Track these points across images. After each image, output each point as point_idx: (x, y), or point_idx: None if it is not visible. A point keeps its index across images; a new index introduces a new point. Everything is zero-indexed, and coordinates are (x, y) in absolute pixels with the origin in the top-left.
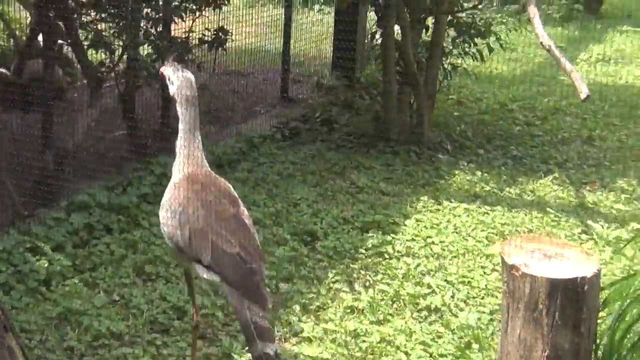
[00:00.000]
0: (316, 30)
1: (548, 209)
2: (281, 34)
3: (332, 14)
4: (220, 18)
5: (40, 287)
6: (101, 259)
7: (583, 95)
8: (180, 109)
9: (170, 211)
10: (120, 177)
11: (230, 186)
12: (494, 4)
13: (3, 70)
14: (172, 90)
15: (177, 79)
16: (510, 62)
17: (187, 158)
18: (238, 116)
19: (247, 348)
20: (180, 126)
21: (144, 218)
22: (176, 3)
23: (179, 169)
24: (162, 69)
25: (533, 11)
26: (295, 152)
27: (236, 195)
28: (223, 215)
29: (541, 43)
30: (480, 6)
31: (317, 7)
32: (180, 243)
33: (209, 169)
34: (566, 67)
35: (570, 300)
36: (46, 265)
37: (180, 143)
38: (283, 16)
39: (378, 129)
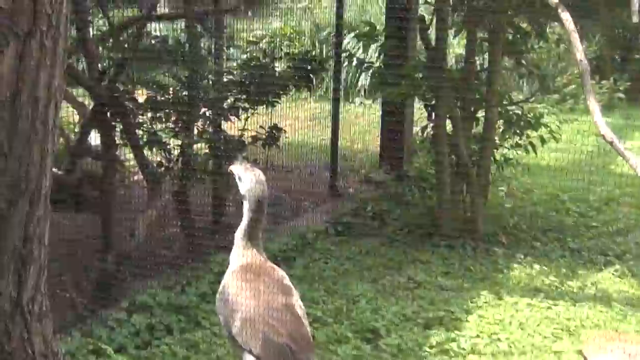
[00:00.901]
0: (360, 123)
1: (613, 302)
2: (323, 127)
3: (375, 107)
4: (264, 113)
5: None
6: None
7: None
8: (248, 207)
9: (223, 300)
10: (178, 276)
11: (286, 276)
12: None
13: (54, 169)
14: (243, 189)
15: (248, 178)
16: (557, 152)
17: (245, 249)
18: (287, 211)
19: None
20: (245, 220)
21: (204, 318)
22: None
23: (237, 259)
24: (231, 167)
25: (593, 104)
26: (349, 248)
27: (291, 285)
28: (273, 304)
29: (603, 136)
30: (532, 99)
31: (358, 100)
32: (232, 331)
33: (267, 259)
34: (631, 161)
35: None
36: None
37: (240, 235)
38: (332, 110)
39: (432, 223)
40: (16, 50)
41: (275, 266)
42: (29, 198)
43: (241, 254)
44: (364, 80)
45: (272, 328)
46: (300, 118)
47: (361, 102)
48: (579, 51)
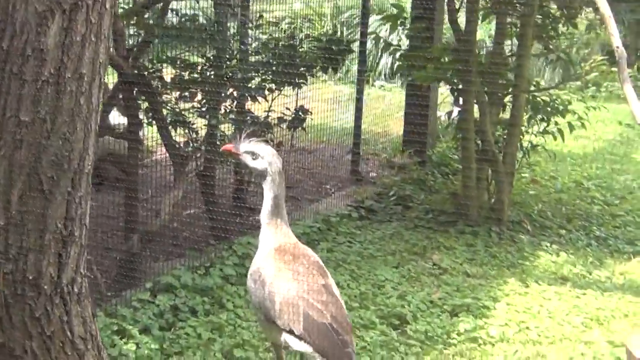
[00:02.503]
0: (381, 107)
1: None
2: (345, 110)
3: (396, 90)
4: (286, 95)
5: None
6: (188, 342)
7: None
8: (270, 182)
9: (259, 282)
10: (202, 258)
11: (318, 258)
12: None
13: None
14: (261, 164)
15: (266, 152)
16: (578, 139)
17: (276, 229)
18: (309, 194)
19: None
20: (269, 199)
21: (229, 300)
22: (255, 82)
23: (269, 240)
24: (241, 147)
25: (630, 91)
26: (373, 232)
27: (324, 266)
28: (314, 286)
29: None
30: (561, 85)
31: (378, 83)
32: (270, 313)
33: (297, 240)
34: None
35: None
36: (134, 348)
37: (267, 215)
38: (355, 93)
39: (456, 208)
40: (61, 24)
41: (306, 247)
42: (72, 177)
43: (272, 234)
44: (385, 63)
45: (315, 309)
46: (321, 101)
47: (382, 86)
48: (615, 37)
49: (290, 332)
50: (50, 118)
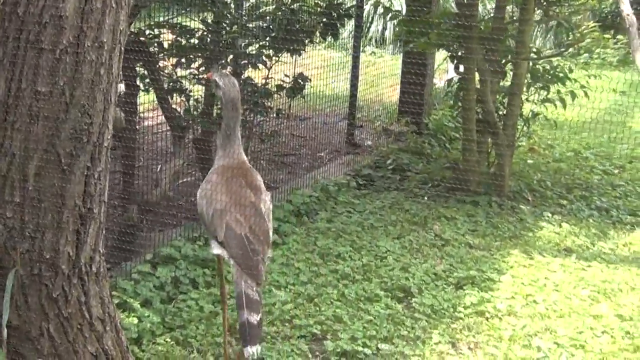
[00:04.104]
0: (376, 73)
1: None
2: (339, 77)
3: (387, 56)
4: (283, 62)
5: (132, 345)
6: (190, 316)
7: None
8: (225, 109)
9: (202, 194)
10: (201, 228)
11: (260, 178)
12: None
13: None
14: (219, 93)
15: (224, 83)
16: (575, 107)
17: (225, 151)
18: (304, 162)
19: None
20: (223, 124)
21: (229, 272)
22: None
23: (218, 160)
24: (209, 75)
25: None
26: (371, 201)
27: (262, 186)
28: (242, 201)
29: None
30: (565, 53)
31: (369, 49)
32: (205, 219)
33: (246, 161)
34: None
35: None
36: (136, 322)
37: (221, 138)
38: (352, 60)
39: (456, 178)
40: None
41: (251, 167)
42: (91, 152)
43: (221, 155)
44: (375, 29)
45: (236, 220)
46: (314, 68)
47: (373, 52)
48: (626, 3)
49: (215, 238)
50: (68, 89)
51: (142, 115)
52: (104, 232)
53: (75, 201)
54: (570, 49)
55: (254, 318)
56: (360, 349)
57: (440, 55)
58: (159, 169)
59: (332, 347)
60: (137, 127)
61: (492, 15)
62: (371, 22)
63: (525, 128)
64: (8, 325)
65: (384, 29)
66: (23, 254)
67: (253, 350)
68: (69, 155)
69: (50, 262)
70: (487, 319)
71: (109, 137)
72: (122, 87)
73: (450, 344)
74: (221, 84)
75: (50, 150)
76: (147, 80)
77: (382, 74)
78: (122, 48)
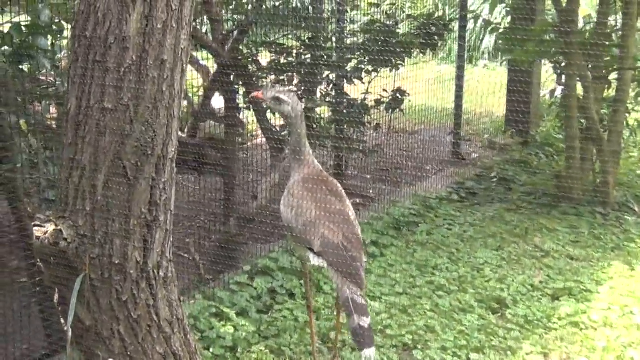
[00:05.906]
0: (484, 86)
1: None
2: (446, 91)
3: (499, 70)
4: (386, 76)
5: (227, 353)
6: (285, 325)
7: None
8: (294, 123)
9: (288, 206)
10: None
11: (339, 186)
12: None
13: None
14: (287, 108)
15: (289, 97)
16: None
17: (301, 162)
18: (409, 176)
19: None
20: (293, 138)
21: (326, 283)
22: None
23: (296, 172)
24: (258, 94)
25: None
26: (473, 214)
27: (343, 194)
28: (330, 210)
29: None
30: None
31: (481, 63)
32: (295, 231)
33: (322, 170)
34: None
35: None
36: (232, 331)
37: (294, 151)
38: (456, 72)
39: (560, 189)
40: (143, 12)
41: (329, 176)
42: (155, 163)
43: (298, 167)
44: (488, 42)
45: (329, 229)
46: (421, 81)
47: (485, 65)
48: None
49: (310, 249)
50: (133, 105)
51: (254, 133)
52: (171, 239)
53: (141, 210)
54: None
55: (365, 322)
56: (450, 358)
57: (549, 66)
58: (259, 184)
59: (421, 356)
60: (244, 142)
61: (594, 20)
62: (483, 36)
63: (631, 138)
64: (82, 327)
65: (494, 42)
66: (94, 259)
67: (369, 353)
68: (134, 167)
69: (120, 267)
70: (581, 329)
71: (173, 150)
72: (221, 104)
73: (542, 355)
74: (286, 99)
75: (117, 162)
76: (247, 99)
77: (492, 87)
78: (185, 66)
